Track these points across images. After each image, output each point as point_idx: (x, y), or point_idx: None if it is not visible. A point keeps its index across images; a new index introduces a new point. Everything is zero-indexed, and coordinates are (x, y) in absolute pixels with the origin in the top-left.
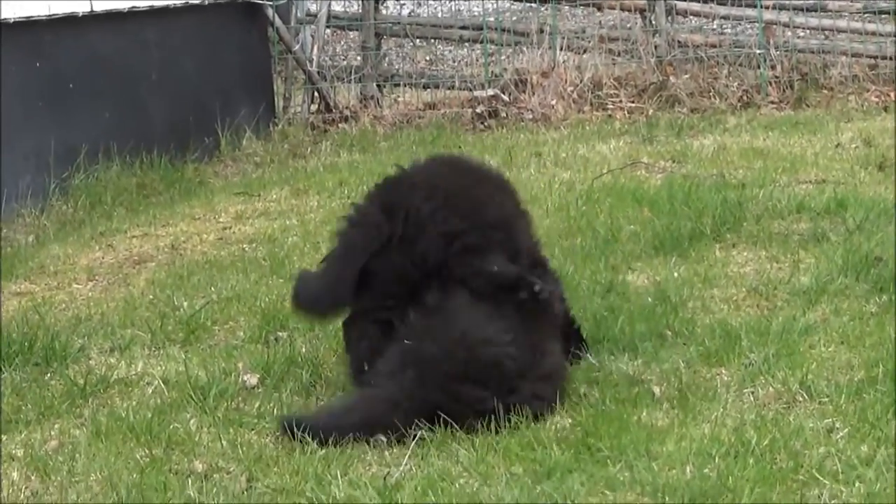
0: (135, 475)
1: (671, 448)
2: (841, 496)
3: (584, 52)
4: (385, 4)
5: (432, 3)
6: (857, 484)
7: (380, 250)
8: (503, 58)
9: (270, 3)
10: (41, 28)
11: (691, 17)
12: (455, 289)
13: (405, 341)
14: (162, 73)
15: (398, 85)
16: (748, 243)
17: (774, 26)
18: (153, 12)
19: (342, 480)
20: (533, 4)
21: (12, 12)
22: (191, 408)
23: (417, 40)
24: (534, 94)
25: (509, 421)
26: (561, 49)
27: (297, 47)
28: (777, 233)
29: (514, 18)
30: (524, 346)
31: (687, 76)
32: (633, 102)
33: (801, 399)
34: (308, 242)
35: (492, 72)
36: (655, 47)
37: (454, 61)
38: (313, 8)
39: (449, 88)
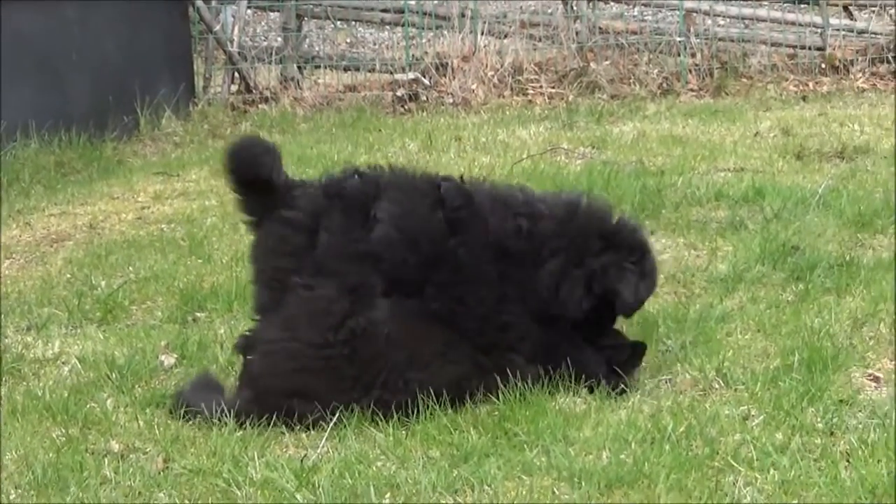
0: (51, 454)
1: (588, 433)
2: (755, 483)
3: (505, 36)
4: None
5: None
6: (771, 471)
7: None
8: (424, 41)
9: None
10: None
11: (612, 3)
12: None
13: None
14: (82, 51)
15: (319, 67)
16: (667, 230)
17: (695, 14)
18: None
19: (259, 462)
20: None
21: None
22: (108, 387)
23: (338, 22)
24: (454, 78)
25: (427, 405)
26: (482, 34)
27: (217, 27)
28: (695, 220)
29: (436, 2)
30: None
31: (607, 63)
32: (553, 88)
33: (717, 386)
34: (227, 223)
35: (412, 55)
36: (576, 33)
37: (375, 44)
38: None
39: (370, 71)
